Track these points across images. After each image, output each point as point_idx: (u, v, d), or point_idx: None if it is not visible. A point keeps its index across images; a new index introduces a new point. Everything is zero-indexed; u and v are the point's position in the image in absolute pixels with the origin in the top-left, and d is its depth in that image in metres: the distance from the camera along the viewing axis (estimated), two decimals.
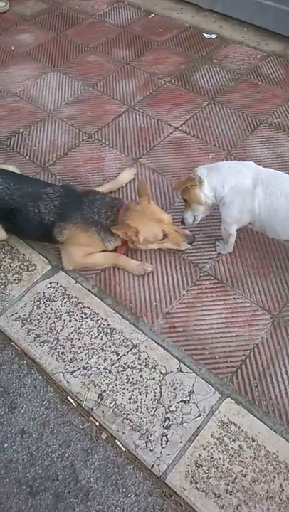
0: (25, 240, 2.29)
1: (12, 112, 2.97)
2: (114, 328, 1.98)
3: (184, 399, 1.78)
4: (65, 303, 2.06)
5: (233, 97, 2.99)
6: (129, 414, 1.76)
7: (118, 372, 1.86)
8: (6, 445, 1.77)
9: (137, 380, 1.84)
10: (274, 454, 1.65)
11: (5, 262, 2.22)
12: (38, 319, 2.02)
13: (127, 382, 1.83)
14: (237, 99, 2.98)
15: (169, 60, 3.31)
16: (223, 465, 1.64)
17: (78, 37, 3.56)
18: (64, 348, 1.93)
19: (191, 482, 1.61)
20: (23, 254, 2.24)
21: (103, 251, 2.17)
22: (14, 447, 1.77)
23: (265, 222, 1.95)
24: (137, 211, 2.07)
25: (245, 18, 3.58)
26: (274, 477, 1.61)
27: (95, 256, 2.16)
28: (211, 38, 3.49)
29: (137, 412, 1.76)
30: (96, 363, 1.89)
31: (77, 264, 2.16)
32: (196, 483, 1.61)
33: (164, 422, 1.73)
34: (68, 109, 2.98)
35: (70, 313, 2.03)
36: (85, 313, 2.03)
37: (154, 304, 2.05)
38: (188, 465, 1.65)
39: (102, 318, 2.01)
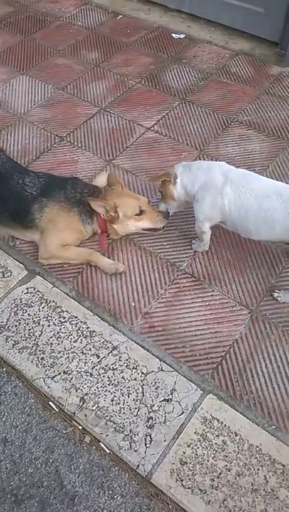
0: None
1: None
2: (93, 331, 1.97)
3: (166, 397, 1.79)
4: (42, 308, 2.04)
5: (204, 96, 3.02)
6: (112, 416, 1.75)
7: (99, 374, 1.85)
8: None
9: (118, 382, 1.83)
10: (257, 447, 1.67)
11: None
12: (16, 326, 2.00)
13: (108, 384, 1.83)
14: (207, 98, 3.01)
15: (139, 60, 3.33)
16: (208, 461, 1.65)
17: (46, 40, 3.54)
18: (44, 354, 1.91)
19: (177, 480, 1.62)
20: None
21: (79, 245, 2.21)
22: None
23: (237, 221, 1.97)
24: (114, 192, 2.16)
25: (212, 17, 3.62)
26: (258, 470, 1.63)
27: (70, 249, 2.17)
28: (179, 38, 3.52)
29: (119, 413, 1.76)
30: (77, 366, 1.87)
31: (52, 255, 2.15)
32: (182, 480, 1.62)
33: (148, 421, 1.73)
34: (39, 113, 2.96)
35: (49, 318, 2.01)
36: (64, 317, 2.01)
37: (133, 304, 2.05)
38: (173, 463, 1.65)
39: (81, 321, 2.00)
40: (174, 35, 3.55)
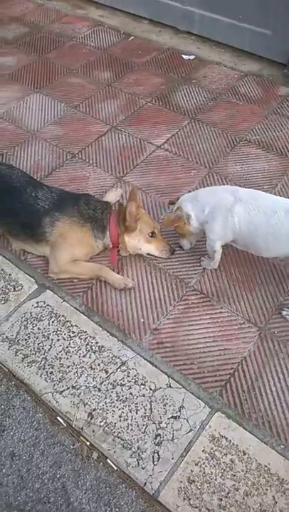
0: (4, 227, 2.30)
1: None
2: (102, 346, 1.98)
3: (175, 415, 1.79)
4: (52, 322, 2.06)
5: (213, 115, 3.07)
6: (120, 433, 1.75)
7: (108, 390, 1.86)
8: None
9: (126, 398, 1.83)
10: (265, 466, 1.66)
11: None
12: (25, 339, 2.01)
13: (116, 400, 1.83)
14: (216, 117, 3.06)
15: (150, 80, 3.39)
16: (216, 480, 1.64)
17: (60, 59, 3.63)
18: (52, 368, 1.92)
19: (184, 499, 1.61)
20: (9, 274, 2.24)
21: (89, 260, 2.24)
22: (4, 470, 1.74)
23: (247, 239, 2.00)
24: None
25: (222, 39, 3.70)
26: (266, 490, 1.61)
27: (80, 264, 2.19)
28: (189, 59, 3.60)
29: (127, 429, 1.76)
30: (85, 381, 1.88)
31: (62, 269, 2.17)
32: (190, 499, 1.61)
33: (155, 438, 1.73)
34: (51, 130, 3.02)
35: (58, 332, 2.03)
36: (73, 332, 2.03)
37: (142, 320, 2.06)
38: (181, 481, 1.64)
39: (90, 336, 2.01)
40: (184, 56, 3.62)
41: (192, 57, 3.61)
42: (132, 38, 3.87)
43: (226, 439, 1.73)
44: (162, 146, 2.87)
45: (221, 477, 1.65)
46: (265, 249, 2.00)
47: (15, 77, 3.47)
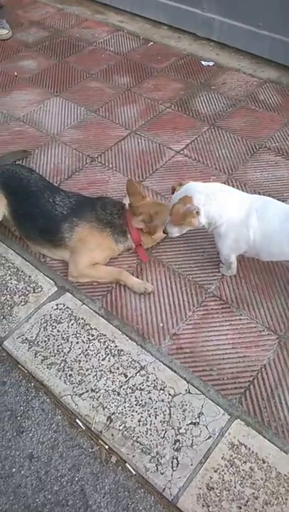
0: (22, 232, 2.32)
1: (16, 136, 3.02)
2: (121, 350, 1.98)
3: (194, 421, 1.78)
4: (72, 324, 2.07)
5: (232, 122, 3.08)
6: (138, 437, 1.75)
7: (127, 394, 1.86)
8: (14, 470, 1.75)
9: (145, 402, 1.83)
10: (285, 475, 1.65)
11: (11, 283, 2.22)
12: (45, 341, 2.02)
13: (136, 405, 1.83)
14: (236, 124, 3.06)
15: (169, 86, 3.41)
16: (235, 487, 1.64)
17: (80, 64, 3.66)
18: (72, 370, 1.93)
19: (203, 506, 1.60)
20: (29, 276, 2.25)
21: (108, 263, 2.25)
22: (23, 472, 1.74)
23: (260, 247, 1.99)
24: (144, 204, 2.20)
25: (241, 46, 3.71)
26: (286, 499, 1.60)
27: (99, 268, 2.20)
28: (208, 65, 3.61)
29: (146, 434, 1.76)
30: (104, 385, 1.88)
31: (82, 273, 2.18)
32: (208, 506, 1.60)
33: (174, 444, 1.73)
34: (71, 134, 3.04)
35: (78, 335, 2.03)
36: (92, 335, 2.03)
37: (161, 325, 2.06)
38: (200, 488, 1.64)
39: (110, 340, 2.02)
40: (203, 63, 3.63)
41: (211, 63, 3.62)
42: (152, 43, 3.89)
43: (246, 446, 1.72)
44: (182, 152, 2.88)
45: (240, 485, 1.64)
46: (279, 254, 2.01)
47: (35, 81, 3.50)
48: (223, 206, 1.97)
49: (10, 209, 2.26)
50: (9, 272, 2.27)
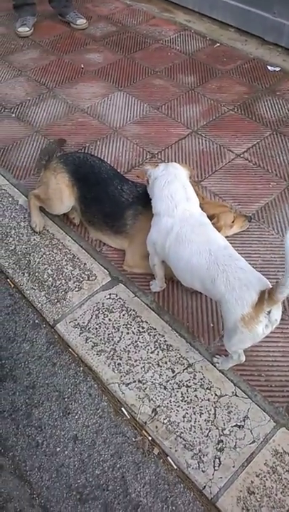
0: (86, 217, 2.35)
1: (80, 127, 3.08)
2: (170, 345, 2.00)
3: (238, 424, 1.78)
4: (123, 315, 2.10)
5: None
6: (182, 433, 1.76)
7: (173, 389, 1.88)
8: (58, 449, 1.80)
9: (191, 399, 1.85)
10: None
11: (67, 269, 2.28)
12: (96, 328, 2.07)
13: (181, 401, 1.84)
14: None
15: (233, 88, 3.40)
16: (276, 495, 1.63)
17: (145, 60, 3.70)
18: (121, 360, 1.96)
19: (243, 508, 1.60)
20: (85, 264, 2.30)
21: None
22: (66, 452, 1.79)
23: (172, 264, 1.92)
24: (206, 204, 2.17)
25: None
26: None
27: None
28: (274, 70, 3.57)
29: (190, 431, 1.77)
30: (152, 377, 1.91)
31: (137, 264, 2.22)
32: (248, 510, 1.60)
33: (218, 444, 1.73)
34: (133, 129, 3.08)
35: (128, 326, 2.07)
36: (143, 328, 2.06)
37: (212, 325, 2.07)
38: (241, 491, 1.64)
39: (159, 334, 2.04)
40: (269, 68, 3.60)
41: (278, 69, 3.58)
42: (218, 45, 3.88)
43: None
44: (242, 155, 2.87)
45: (281, 493, 1.63)
46: (189, 282, 1.89)
47: (100, 74, 3.57)
48: (162, 197, 1.93)
49: (77, 195, 2.32)
50: (65, 258, 2.33)
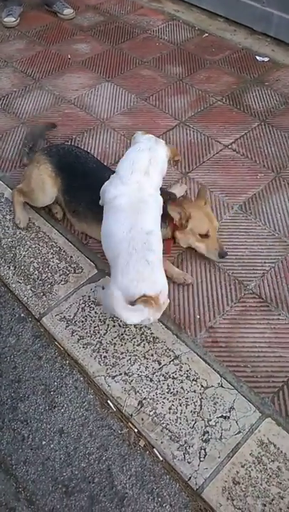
0: (71, 206, 2.33)
1: (66, 118, 3.05)
2: (157, 337, 2.00)
3: (224, 414, 1.79)
4: None
5: (284, 120, 3.02)
6: (168, 424, 1.76)
7: (159, 381, 1.87)
8: (44, 442, 1.79)
9: (177, 391, 1.85)
10: None
11: (53, 262, 2.26)
12: (82, 321, 2.05)
13: (167, 392, 1.84)
14: (288, 122, 3.00)
15: (221, 79, 3.37)
16: (261, 485, 1.63)
17: (133, 50, 3.65)
18: (107, 352, 1.96)
19: (228, 498, 1.61)
20: (71, 257, 2.29)
21: None
22: (52, 445, 1.79)
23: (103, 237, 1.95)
24: (195, 204, 2.20)
25: None
26: None
27: None
28: (263, 60, 3.54)
29: (176, 422, 1.77)
30: (138, 369, 1.90)
31: None
32: (233, 500, 1.60)
33: (203, 435, 1.74)
34: (120, 120, 3.05)
35: (114, 319, 2.06)
36: None
37: (198, 317, 2.06)
38: (226, 481, 1.64)
39: (146, 326, 2.03)
40: (257, 58, 3.57)
41: (266, 59, 3.55)
42: (206, 35, 3.84)
43: (275, 445, 1.71)
44: (230, 146, 2.85)
45: (266, 483, 1.64)
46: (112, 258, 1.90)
47: (88, 65, 3.52)
48: (126, 159, 2.02)
49: (61, 186, 2.30)
50: (52, 251, 2.31)
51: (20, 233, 2.39)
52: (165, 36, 3.83)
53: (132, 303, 1.69)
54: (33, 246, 2.33)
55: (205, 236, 2.16)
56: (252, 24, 3.83)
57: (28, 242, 2.34)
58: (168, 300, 1.87)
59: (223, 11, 4.00)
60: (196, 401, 1.82)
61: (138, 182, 1.94)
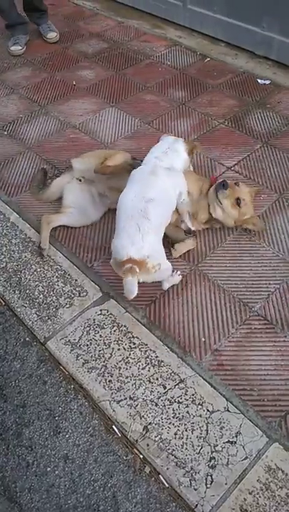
0: None
1: (71, 143, 3.11)
2: (162, 361, 1.99)
3: (231, 440, 1.76)
4: (114, 331, 2.09)
5: (286, 141, 3.05)
6: (174, 450, 1.74)
7: (164, 405, 1.86)
8: (48, 469, 1.78)
9: (183, 416, 1.83)
10: None
11: (58, 285, 2.28)
12: (87, 345, 2.05)
13: (173, 417, 1.82)
14: None
15: (223, 102, 3.42)
16: None
17: (136, 76, 3.73)
18: (112, 376, 1.95)
19: None
20: (76, 280, 2.30)
21: None
22: (57, 472, 1.77)
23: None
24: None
25: None
26: None
27: None
28: (264, 83, 3.60)
29: (182, 448, 1.75)
30: (143, 394, 1.89)
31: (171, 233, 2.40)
32: None
33: (210, 461, 1.71)
34: (124, 143, 3.10)
35: (119, 342, 2.05)
36: (134, 343, 2.05)
37: (203, 339, 2.06)
38: (233, 509, 1.61)
39: (151, 350, 2.03)
40: (259, 81, 3.63)
41: (268, 82, 3.61)
42: (208, 59, 3.92)
43: (283, 471, 1.68)
44: (233, 168, 2.88)
45: (275, 510, 1.60)
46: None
47: (92, 91, 3.60)
48: (151, 150, 2.38)
49: None
50: (56, 274, 2.33)
51: (25, 257, 2.41)
52: (168, 61, 3.92)
53: (120, 265, 1.88)
54: (38, 270, 2.35)
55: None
56: (253, 48, 3.91)
57: (33, 266, 2.37)
58: (160, 264, 1.95)
59: (224, 36, 4.08)
60: (202, 426, 1.80)
61: (156, 158, 2.26)
